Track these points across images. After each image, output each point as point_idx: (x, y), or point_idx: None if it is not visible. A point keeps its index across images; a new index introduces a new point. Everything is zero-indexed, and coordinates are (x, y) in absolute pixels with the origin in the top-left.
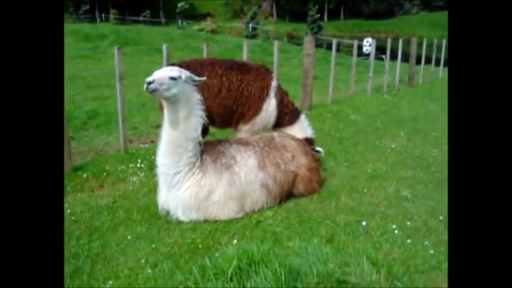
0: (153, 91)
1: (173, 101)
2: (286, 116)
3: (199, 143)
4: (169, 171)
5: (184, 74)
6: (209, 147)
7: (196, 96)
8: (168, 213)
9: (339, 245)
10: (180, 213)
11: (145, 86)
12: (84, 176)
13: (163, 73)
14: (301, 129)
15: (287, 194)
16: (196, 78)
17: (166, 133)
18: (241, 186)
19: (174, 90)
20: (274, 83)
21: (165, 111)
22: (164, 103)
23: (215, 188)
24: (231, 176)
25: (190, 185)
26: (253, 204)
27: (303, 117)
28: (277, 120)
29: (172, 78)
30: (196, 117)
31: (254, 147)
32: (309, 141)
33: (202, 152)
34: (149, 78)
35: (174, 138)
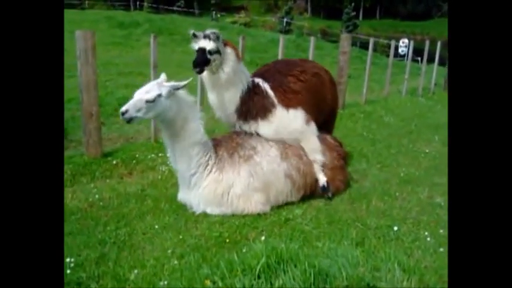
0: (130, 120)
1: (162, 118)
2: None
3: (207, 142)
4: (184, 175)
5: (165, 89)
6: (226, 142)
7: (189, 101)
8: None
9: (370, 249)
10: (203, 209)
11: (120, 116)
12: (114, 162)
13: (139, 97)
14: None
15: (311, 187)
16: (181, 84)
17: (168, 143)
18: (264, 176)
19: (157, 110)
20: None
21: (161, 126)
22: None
23: (235, 181)
24: (252, 167)
25: (208, 183)
26: (278, 194)
27: None
28: None
29: (150, 101)
30: (194, 122)
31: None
32: None
33: (217, 148)
34: (123, 108)
35: (178, 148)
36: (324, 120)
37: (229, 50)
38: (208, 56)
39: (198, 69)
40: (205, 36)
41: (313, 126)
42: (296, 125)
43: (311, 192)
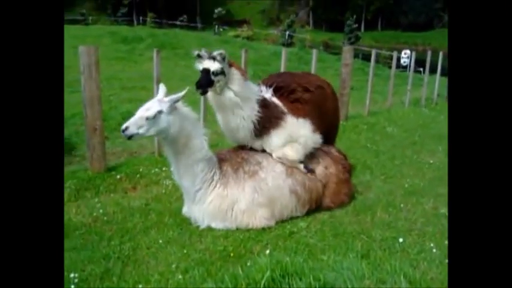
0: (131, 137)
1: (165, 136)
2: None
3: (212, 158)
4: (189, 191)
5: (166, 105)
6: (231, 157)
7: (191, 118)
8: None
9: (375, 261)
10: (208, 224)
11: (121, 132)
12: (118, 176)
13: (140, 114)
14: None
15: (316, 202)
16: (179, 95)
17: (172, 160)
18: (268, 191)
19: (159, 127)
20: None
21: (164, 143)
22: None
23: (239, 197)
24: (257, 183)
25: (212, 199)
26: (283, 209)
27: None
28: None
29: (150, 118)
30: (197, 139)
31: None
32: None
33: (221, 164)
34: (123, 125)
35: (181, 165)
36: (326, 133)
37: (234, 71)
38: (212, 77)
39: (201, 91)
40: (211, 57)
41: (318, 137)
42: (305, 131)
43: (316, 206)
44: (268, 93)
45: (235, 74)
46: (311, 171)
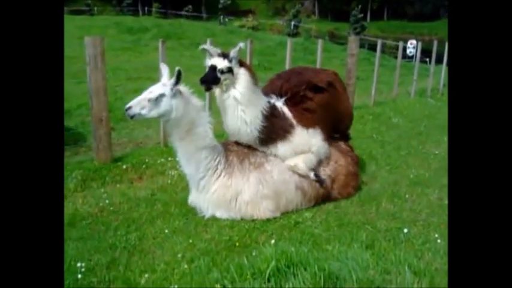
0: (133, 116)
1: (167, 119)
2: None
3: (217, 147)
4: (193, 178)
5: (168, 88)
6: (237, 147)
7: (197, 105)
8: (202, 211)
9: (380, 252)
10: (212, 213)
11: (124, 112)
12: (124, 167)
13: (143, 96)
14: None
15: (323, 197)
16: (174, 78)
17: (176, 146)
18: (274, 184)
19: (161, 109)
20: None
21: (168, 128)
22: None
23: (243, 187)
24: (262, 175)
25: (216, 188)
26: (288, 204)
27: None
28: None
29: (152, 100)
30: (202, 127)
31: None
32: None
33: (227, 153)
34: (127, 105)
35: (184, 151)
36: (339, 129)
37: (242, 71)
38: (219, 75)
39: (205, 86)
40: (220, 55)
41: (327, 146)
42: (317, 141)
43: (323, 200)
44: (279, 102)
45: (243, 74)
46: (321, 181)
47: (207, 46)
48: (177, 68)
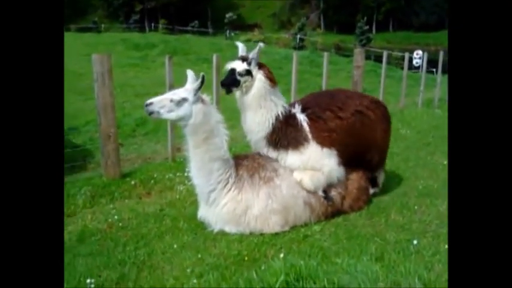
0: (151, 113)
1: (185, 124)
2: None
3: (229, 160)
4: (203, 190)
5: (191, 94)
6: (248, 161)
7: (217, 117)
8: (210, 225)
9: (389, 264)
10: (221, 228)
11: (144, 107)
12: (132, 182)
13: (165, 96)
14: None
15: (332, 213)
16: (198, 82)
17: (191, 155)
18: (283, 199)
19: (179, 113)
20: None
21: (185, 133)
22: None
23: (253, 202)
24: (272, 190)
25: (226, 202)
26: (297, 219)
27: None
28: None
29: (174, 101)
30: (219, 138)
31: None
32: None
33: (238, 167)
34: (148, 100)
35: (198, 160)
36: (363, 159)
37: (259, 76)
38: (238, 77)
39: (226, 89)
40: (239, 58)
41: (342, 169)
42: (330, 162)
43: (332, 216)
44: (301, 114)
45: (261, 77)
46: (329, 199)
47: (240, 44)
48: (201, 74)
